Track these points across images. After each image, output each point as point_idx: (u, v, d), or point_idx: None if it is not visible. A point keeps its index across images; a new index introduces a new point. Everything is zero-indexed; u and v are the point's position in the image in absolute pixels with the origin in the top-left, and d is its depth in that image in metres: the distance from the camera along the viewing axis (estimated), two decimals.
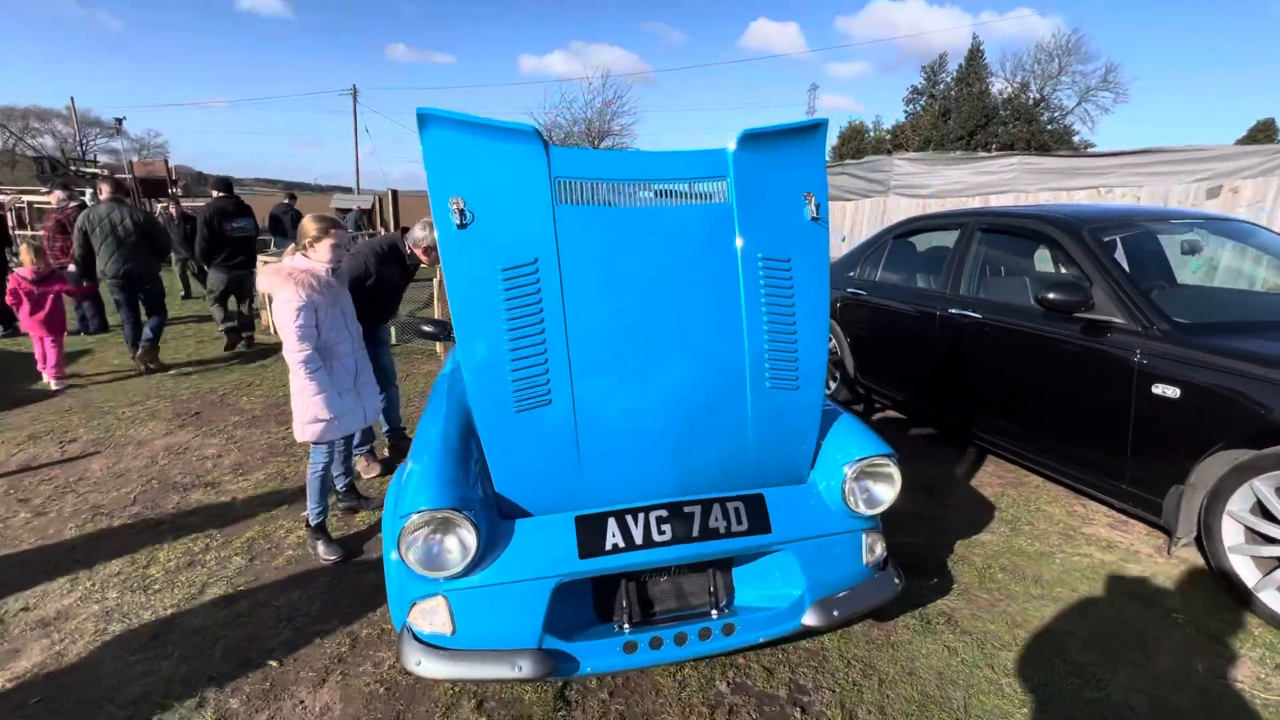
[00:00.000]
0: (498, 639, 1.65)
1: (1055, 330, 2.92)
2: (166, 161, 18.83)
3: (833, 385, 4.76)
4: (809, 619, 1.80)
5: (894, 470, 1.91)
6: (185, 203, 12.52)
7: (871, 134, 40.01)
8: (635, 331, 1.74)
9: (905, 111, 39.46)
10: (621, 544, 1.68)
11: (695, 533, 1.73)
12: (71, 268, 5.76)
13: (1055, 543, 2.81)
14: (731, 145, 1.80)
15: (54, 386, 5.15)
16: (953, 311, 3.52)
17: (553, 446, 1.70)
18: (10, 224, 12.21)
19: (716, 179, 1.81)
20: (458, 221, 1.64)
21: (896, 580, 1.97)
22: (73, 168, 22.31)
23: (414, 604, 1.66)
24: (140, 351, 5.65)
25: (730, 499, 1.81)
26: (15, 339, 6.90)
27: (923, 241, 4.26)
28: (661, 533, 1.71)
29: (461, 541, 1.58)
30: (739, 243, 1.81)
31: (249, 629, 2.25)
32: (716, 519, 1.76)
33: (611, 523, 1.71)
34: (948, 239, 3.84)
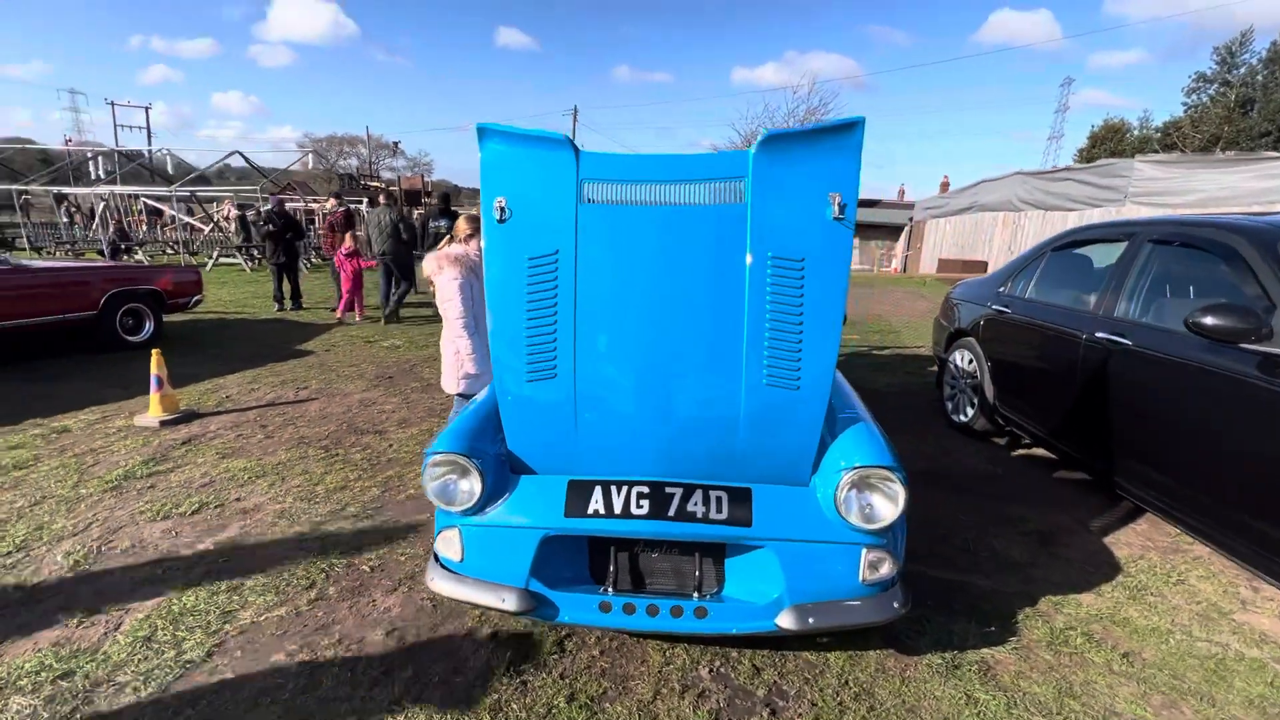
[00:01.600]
0: (494, 573, 1.93)
1: (1223, 364, 2.37)
2: (424, 177, 23.40)
3: (970, 412, 4.28)
4: (783, 620, 1.79)
5: (897, 485, 1.79)
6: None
7: (1135, 133, 33.36)
8: (638, 320, 1.89)
9: (1185, 105, 32.22)
10: (601, 511, 1.85)
11: (671, 513, 1.83)
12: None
13: (1183, 622, 2.29)
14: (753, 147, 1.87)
15: (356, 319, 8.57)
16: (1100, 336, 3.00)
17: (555, 416, 1.94)
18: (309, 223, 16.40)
19: (735, 179, 1.89)
20: (498, 217, 1.95)
21: (896, 604, 1.84)
22: (363, 182, 28.52)
23: (441, 532, 2.01)
24: (388, 309, 8.52)
25: (716, 488, 1.87)
26: (299, 312, 9.16)
27: (1087, 254, 3.65)
28: (639, 507, 1.84)
29: (470, 483, 1.90)
30: (749, 242, 1.87)
31: (362, 541, 2.84)
32: (695, 504, 1.84)
33: (598, 490, 1.89)
34: (1115, 252, 3.26)
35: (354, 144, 60.56)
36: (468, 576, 1.95)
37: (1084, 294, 3.36)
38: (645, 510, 1.84)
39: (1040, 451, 4.01)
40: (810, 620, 1.77)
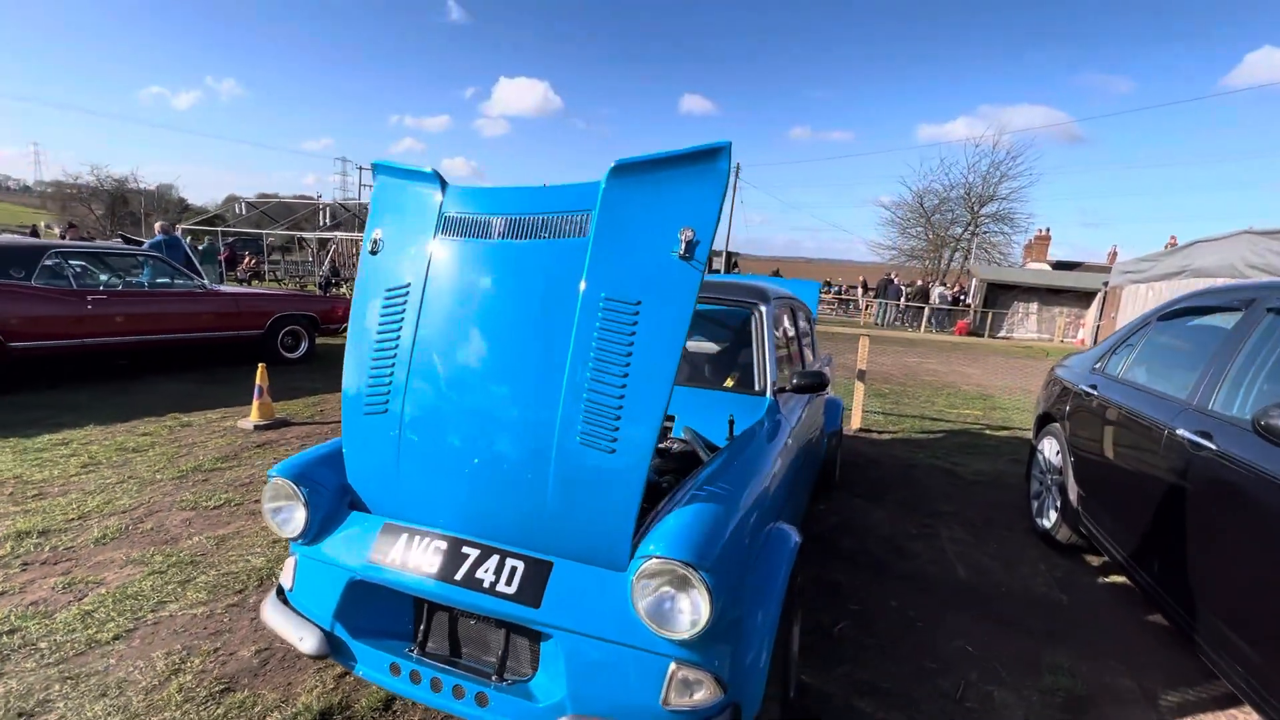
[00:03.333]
0: (307, 608, 1.86)
1: None
2: None
3: (1052, 516, 3.37)
4: None
5: (696, 588, 1.41)
6: None
7: None
8: (465, 361, 1.77)
9: None
10: (396, 562, 1.71)
11: (458, 576, 1.63)
12: None
13: None
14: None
15: None
16: (1181, 434, 2.19)
17: (382, 453, 1.85)
18: None
19: (582, 213, 1.72)
20: (371, 249, 1.98)
21: None
22: None
23: (290, 556, 2.01)
24: None
25: (515, 555, 1.64)
26: None
27: (1204, 324, 2.73)
28: (430, 564, 1.67)
29: (297, 512, 1.87)
30: (583, 283, 1.67)
31: None
32: (487, 571, 1.62)
33: (403, 538, 1.75)
34: (1229, 322, 2.40)
35: None
36: (292, 607, 1.91)
37: (1182, 376, 2.50)
38: (434, 569, 1.66)
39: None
40: None
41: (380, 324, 1.90)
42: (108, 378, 6.54)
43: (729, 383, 2.70)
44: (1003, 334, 21.08)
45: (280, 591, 1.98)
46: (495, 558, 1.64)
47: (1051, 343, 18.80)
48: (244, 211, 26.52)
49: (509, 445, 1.69)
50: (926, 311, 21.76)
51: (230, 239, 22.05)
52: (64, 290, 6.08)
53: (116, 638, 2.30)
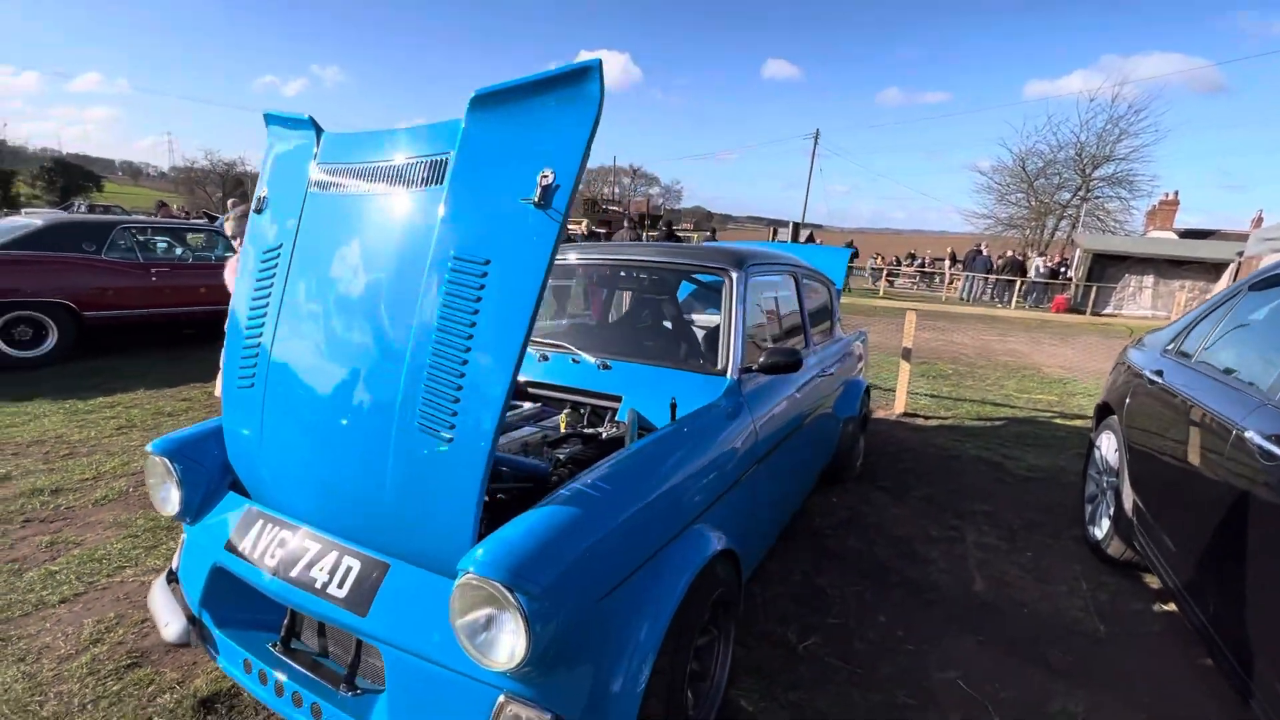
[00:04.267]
0: (187, 592, 1.76)
1: None
2: (648, 202, 25.12)
3: (1104, 526, 2.82)
4: None
5: (510, 613, 1.14)
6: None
7: None
8: (320, 331, 1.56)
9: None
10: (246, 550, 1.55)
11: (293, 573, 1.45)
12: None
13: None
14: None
15: None
16: (1250, 436, 1.66)
17: (250, 430, 1.70)
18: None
19: (442, 155, 1.46)
20: (255, 208, 1.81)
21: None
22: (604, 207, 31.77)
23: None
24: None
25: (353, 553, 1.43)
26: None
27: None
28: (272, 556, 1.50)
29: (172, 491, 1.76)
30: (435, 238, 1.42)
31: None
32: (321, 569, 1.43)
33: (258, 525, 1.59)
34: None
35: (616, 174, 67.91)
36: (176, 589, 1.82)
37: (1265, 361, 1.92)
38: (274, 562, 1.49)
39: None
40: None
41: (254, 289, 1.74)
42: (172, 345, 6.97)
43: (690, 361, 2.37)
44: (1109, 310, 18.82)
45: (171, 573, 1.89)
46: (333, 555, 1.45)
47: (1169, 319, 16.57)
48: None
49: (353, 429, 1.47)
50: (1019, 285, 19.78)
51: None
52: (131, 263, 6.49)
53: (63, 601, 2.33)
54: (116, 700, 1.85)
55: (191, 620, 1.69)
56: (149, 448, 1.79)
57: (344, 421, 1.48)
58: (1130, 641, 2.33)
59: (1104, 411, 3.07)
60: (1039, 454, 4.50)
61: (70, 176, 42.70)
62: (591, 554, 1.30)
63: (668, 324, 2.73)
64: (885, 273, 22.38)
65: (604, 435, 2.06)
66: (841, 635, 2.31)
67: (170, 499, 1.77)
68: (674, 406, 2.08)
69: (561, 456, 1.91)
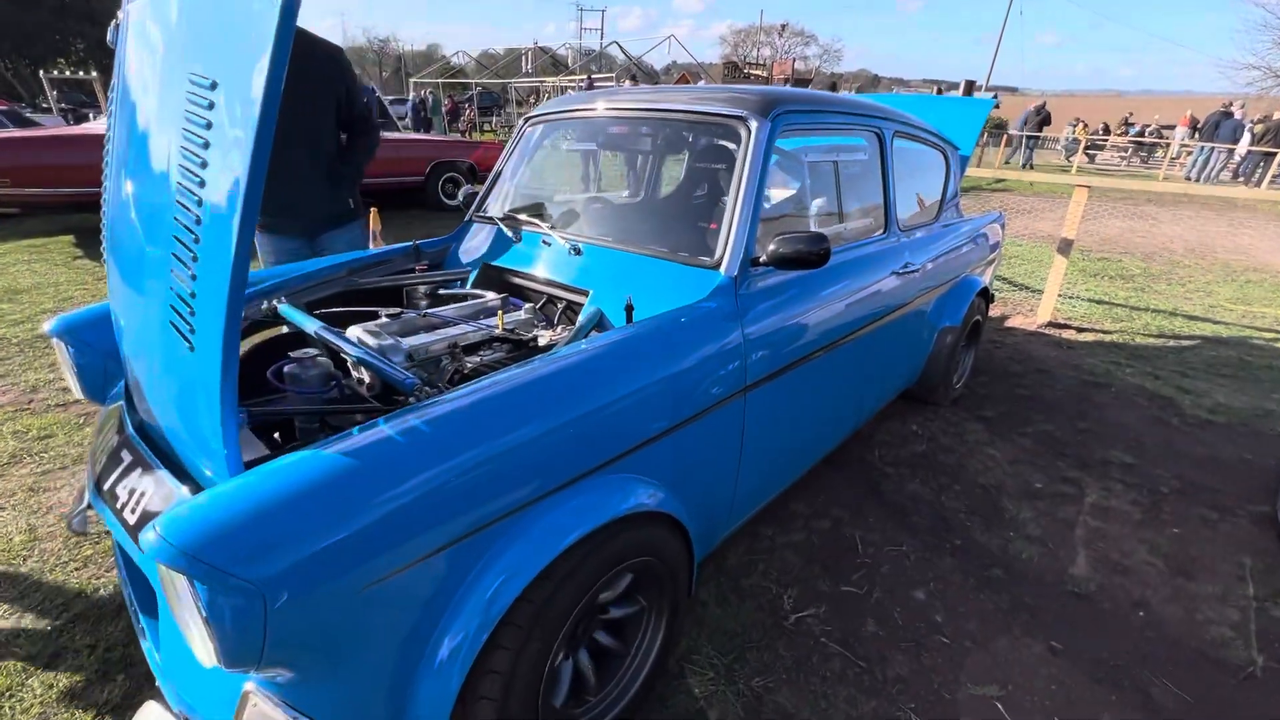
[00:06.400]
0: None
1: None
2: (793, 64, 22.67)
3: None
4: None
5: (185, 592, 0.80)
6: None
7: None
8: (136, 181, 1.24)
9: None
10: (97, 451, 1.39)
11: (106, 485, 1.24)
12: None
13: None
14: None
15: None
16: None
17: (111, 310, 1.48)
18: None
19: None
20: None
21: None
22: (745, 70, 28.92)
23: None
24: None
25: (154, 475, 1.18)
26: None
27: None
28: (97, 463, 1.31)
29: (69, 371, 1.64)
30: (170, 49, 0.99)
31: None
32: (130, 482, 1.19)
33: (110, 424, 1.42)
34: None
35: (769, 33, 60.83)
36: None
37: None
38: (98, 469, 1.30)
39: None
40: None
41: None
42: None
43: (680, 250, 1.78)
44: None
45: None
46: (137, 472, 1.21)
47: None
48: (465, 62, 28.09)
49: (147, 316, 1.18)
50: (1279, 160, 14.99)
51: (472, 92, 23.49)
52: None
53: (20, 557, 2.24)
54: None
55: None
56: (45, 328, 1.66)
57: (144, 309, 1.19)
58: None
59: None
60: (1234, 390, 3.31)
61: None
62: (370, 522, 0.91)
63: (666, 195, 2.10)
64: (1083, 145, 18.03)
65: (538, 342, 1.62)
66: (854, 610, 1.81)
67: (72, 382, 1.66)
68: (629, 310, 1.56)
69: (468, 368, 1.51)
